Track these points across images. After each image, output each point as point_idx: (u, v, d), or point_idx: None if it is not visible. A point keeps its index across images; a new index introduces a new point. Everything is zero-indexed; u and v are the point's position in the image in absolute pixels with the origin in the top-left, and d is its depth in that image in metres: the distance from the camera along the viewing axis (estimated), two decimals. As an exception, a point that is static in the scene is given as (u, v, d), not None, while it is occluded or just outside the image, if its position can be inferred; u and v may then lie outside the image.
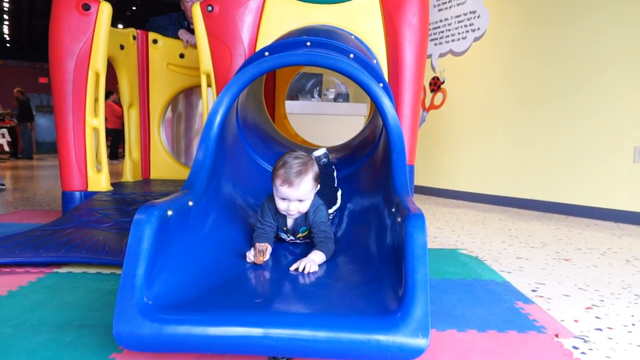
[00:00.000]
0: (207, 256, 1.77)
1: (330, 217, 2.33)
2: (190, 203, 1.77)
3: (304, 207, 2.01)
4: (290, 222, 2.11)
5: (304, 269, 1.81)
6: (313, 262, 1.85)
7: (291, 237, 2.17)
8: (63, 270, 2.40)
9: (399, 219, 1.60)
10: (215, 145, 2.03)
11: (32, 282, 2.20)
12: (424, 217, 1.47)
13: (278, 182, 1.94)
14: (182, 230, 1.69)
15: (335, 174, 2.64)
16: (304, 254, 1.96)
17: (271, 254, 2.03)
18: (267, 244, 1.95)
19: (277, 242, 2.18)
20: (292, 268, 1.84)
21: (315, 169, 2.00)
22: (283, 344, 1.31)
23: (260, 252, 1.88)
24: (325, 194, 2.31)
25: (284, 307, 1.47)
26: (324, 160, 2.72)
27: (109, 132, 9.76)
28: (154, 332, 1.31)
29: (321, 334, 1.31)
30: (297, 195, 1.94)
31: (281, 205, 2.00)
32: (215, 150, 2.03)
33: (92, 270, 2.40)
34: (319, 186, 2.07)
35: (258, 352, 1.35)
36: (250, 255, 1.88)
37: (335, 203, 2.45)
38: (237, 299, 1.49)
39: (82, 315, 1.82)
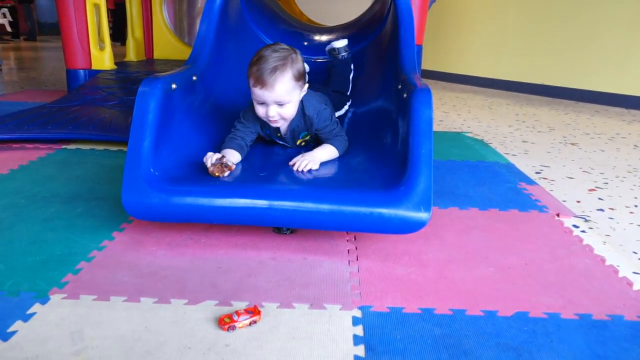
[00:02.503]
0: (212, 131, 1.77)
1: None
2: (194, 78, 1.74)
3: (287, 111, 1.65)
4: (284, 127, 1.77)
5: (304, 167, 1.57)
6: (314, 159, 1.60)
7: (291, 144, 1.84)
8: (71, 146, 2.42)
9: (405, 95, 1.57)
10: (218, 19, 1.96)
11: (41, 157, 2.23)
12: (431, 92, 1.45)
13: (251, 82, 1.60)
14: (187, 104, 1.67)
15: (351, 75, 2.30)
16: None
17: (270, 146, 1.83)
18: (233, 164, 1.52)
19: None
20: (291, 163, 1.60)
21: (297, 65, 1.62)
22: (287, 215, 1.35)
23: (220, 167, 1.48)
24: (332, 99, 2.01)
25: (289, 181, 1.48)
26: (343, 54, 2.34)
27: (111, 13, 9.44)
28: (161, 202, 1.34)
29: (324, 207, 1.33)
30: (273, 97, 1.59)
31: (259, 111, 1.65)
32: (218, 24, 1.97)
33: (100, 147, 2.42)
34: (306, 85, 1.71)
35: (262, 223, 1.39)
36: (209, 162, 1.50)
37: (339, 109, 2.15)
38: (242, 173, 1.51)
39: (92, 189, 1.86)
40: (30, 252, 1.38)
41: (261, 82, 1.56)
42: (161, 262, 1.35)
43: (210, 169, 1.47)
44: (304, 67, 1.67)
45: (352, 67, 2.34)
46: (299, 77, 1.63)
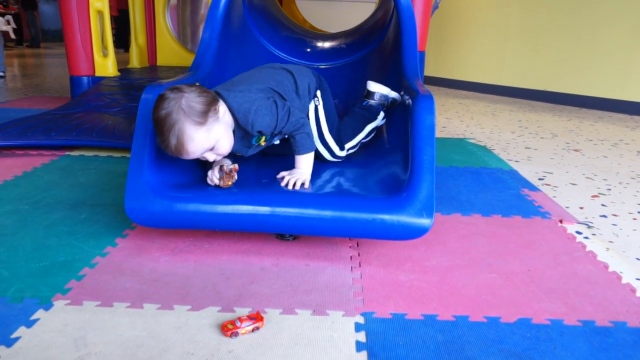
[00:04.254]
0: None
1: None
2: (197, 84, 1.74)
3: (224, 148, 1.43)
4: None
5: (297, 184, 1.46)
6: (303, 174, 1.48)
7: (251, 152, 1.62)
8: (75, 153, 2.43)
9: (407, 102, 1.57)
10: (221, 26, 1.97)
11: (45, 164, 2.24)
12: (433, 98, 1.45)
13: (167, 152, 1.37)
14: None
15: (370, 127, 1.88)
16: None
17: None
18: (236, 164, 1.44)
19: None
20: (278, 176, 1.52)
21: (193, 106, 1.34)
22: (289, 222, 1.35)
23: (228, 176, 1.41)
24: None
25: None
26: (373, 102, 1.94)
27: (114, 20, 9.47)
28: (164, 209, 1.35)
29: (327, 213, 1.34)
30: (196, 156, 1.39)
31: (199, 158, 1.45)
32: (221, 31, 1.98)
33: (103, 154, 2.42)
34: (220, 105, 1.42)
35: (265, 230, 1.39)
36: (215, 178, 1.43)
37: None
38: (244, 180, 1.51)
39: (96, 195, 1.87)
40: (33, 258, 1.38)
41: (176, 153, 1.35)
42: (164, 269, 1.35)
43: (221, 184, 1.41)
44: (203, 98, 1.38)
45: (380, 117, 1.91)
46: (203, 116, 1.35)
